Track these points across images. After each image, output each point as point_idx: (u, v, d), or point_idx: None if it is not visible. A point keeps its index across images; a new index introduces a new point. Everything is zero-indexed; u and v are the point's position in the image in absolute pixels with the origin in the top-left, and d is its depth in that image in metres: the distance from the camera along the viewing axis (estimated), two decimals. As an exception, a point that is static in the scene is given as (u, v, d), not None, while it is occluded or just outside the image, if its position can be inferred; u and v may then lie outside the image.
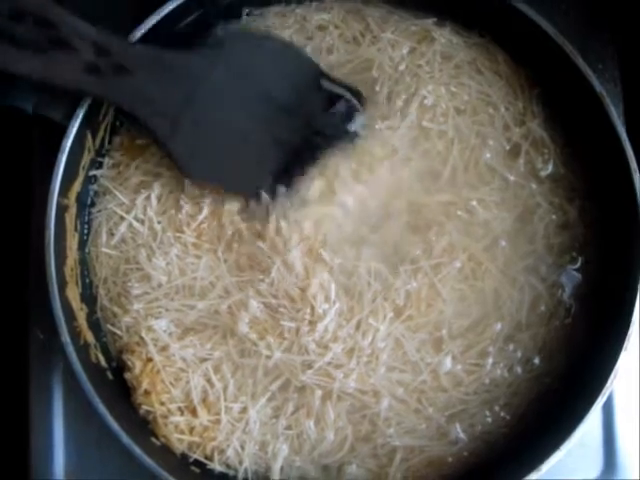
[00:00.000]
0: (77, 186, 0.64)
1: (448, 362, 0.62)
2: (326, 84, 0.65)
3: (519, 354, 0.63)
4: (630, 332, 0.58)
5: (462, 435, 0.62)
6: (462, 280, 0.63)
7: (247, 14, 0.68)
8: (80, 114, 0.61)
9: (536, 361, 0.63)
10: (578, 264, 0.65)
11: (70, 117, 0.60)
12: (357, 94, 0.65)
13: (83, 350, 0.61)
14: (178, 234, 0.64)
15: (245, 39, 0.64)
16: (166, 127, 0.61)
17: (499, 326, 0.63)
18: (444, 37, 0.67)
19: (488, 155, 0.65)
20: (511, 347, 0.63)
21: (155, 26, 0.62)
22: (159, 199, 0.65)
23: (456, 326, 0.63)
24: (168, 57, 0.60)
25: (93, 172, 0.66)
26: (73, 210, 0.64)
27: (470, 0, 0.65)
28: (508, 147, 0.65)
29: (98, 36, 0.57)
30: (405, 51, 0.66)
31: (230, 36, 0.64)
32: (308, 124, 0.64)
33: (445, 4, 0.67)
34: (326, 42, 0.67)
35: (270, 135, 0.64)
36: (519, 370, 0.63)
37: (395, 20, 0.68)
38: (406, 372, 0.62)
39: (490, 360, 0.63)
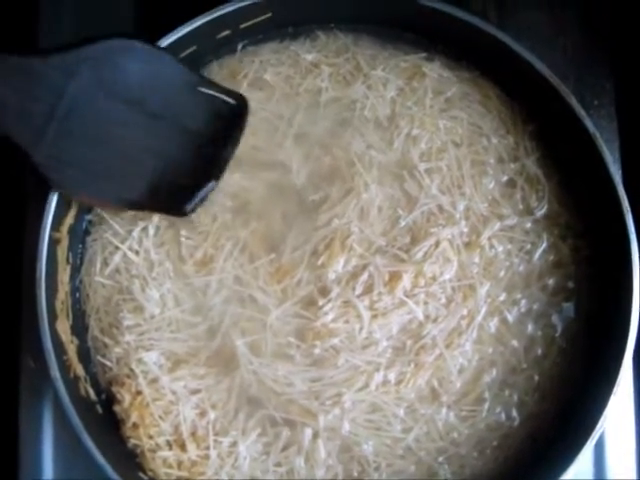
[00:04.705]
0: (70, 219, 0.64)
1: (443, 412, 0.62)
2: (204, 90, 0.63)
3: (515, 398, 0.63)
4: (620, 378, 0.58)
5: (451, 477, 0.61)
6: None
7: (241, 49, 0.68)
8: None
9: (530, 403, 0.63)
10: (570, 303, 0.64)
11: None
12: (240, 99, 0.63)
13: (72, 384, 0.61)
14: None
15: (111, 46, 0.60)
16: (29, 136, 0.58)
17: (494, 372, 0.63)
18: (435, 72, 0.67)
19: (491, 186, 0.65)
20: (507, 392, 0.63)
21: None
22: (157, 231, 0.65)
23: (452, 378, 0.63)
24: (26, 66, 0.57)
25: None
26: (65, 242, 0.64)
27: (462, 37, 0.65)
28: (504, 179, 0.65)
29: None
30: (396, 92, 0.67)
31: (93, 44, 0.59)
32: (187, 131, 0.62)
33: (435, 39, 0.67)
34: (317, 83, 0.67)
35: (144, 143, 0.62)
36: (514, 413, 0.63)
37: (385, 57, 0.67)
38: (392, 425, 0.62)
39: (486, 406, 0.63)
